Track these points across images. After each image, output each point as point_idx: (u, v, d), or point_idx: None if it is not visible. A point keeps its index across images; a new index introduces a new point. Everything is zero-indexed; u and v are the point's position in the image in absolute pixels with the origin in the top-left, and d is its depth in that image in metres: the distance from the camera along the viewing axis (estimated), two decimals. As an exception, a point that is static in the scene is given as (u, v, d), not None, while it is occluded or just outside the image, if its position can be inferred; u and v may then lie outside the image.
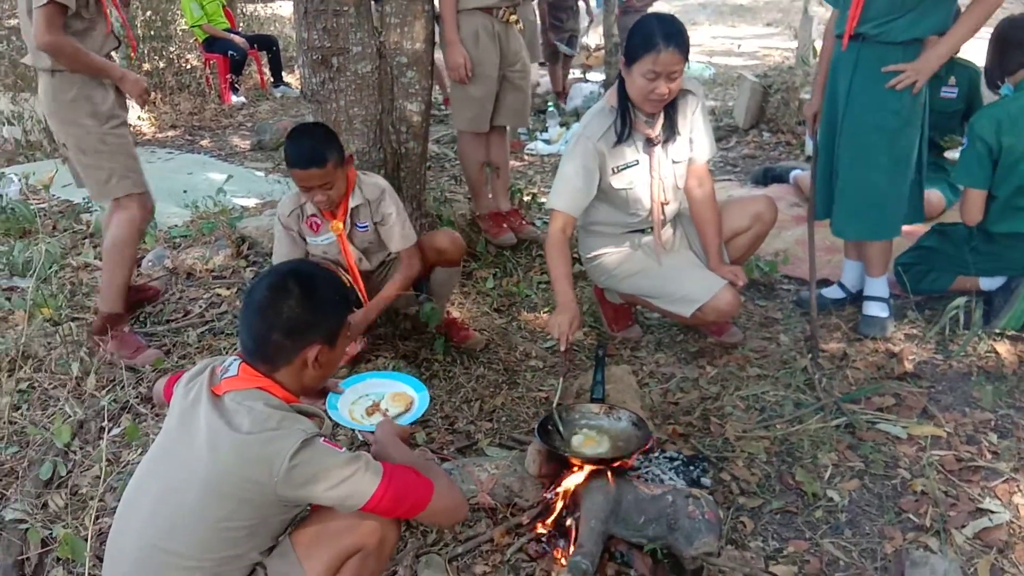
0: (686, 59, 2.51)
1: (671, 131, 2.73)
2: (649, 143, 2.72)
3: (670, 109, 2.70)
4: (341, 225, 2.75)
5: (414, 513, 1.62)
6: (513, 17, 3.53)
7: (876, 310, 3.03)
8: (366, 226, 2.81)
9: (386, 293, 2.80)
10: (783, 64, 7.33)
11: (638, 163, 2.74)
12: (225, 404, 1.53)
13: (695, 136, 2.79)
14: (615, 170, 2.73)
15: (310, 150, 2.55)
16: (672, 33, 2.46)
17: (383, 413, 2.22)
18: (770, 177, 4.63)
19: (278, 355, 1.58)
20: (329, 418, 2.18)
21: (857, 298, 3.17)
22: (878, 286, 3.05)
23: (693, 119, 2.77)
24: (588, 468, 2.15)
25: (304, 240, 2.84)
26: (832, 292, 3.26)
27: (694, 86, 2.77)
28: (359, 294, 2.84)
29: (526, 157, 5.89)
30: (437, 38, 3.39)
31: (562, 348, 2.45)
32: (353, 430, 2.49)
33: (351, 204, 2.75)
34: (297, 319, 1.57)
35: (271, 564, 1.58)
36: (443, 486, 1.66)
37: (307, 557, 1.57)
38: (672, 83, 2.53)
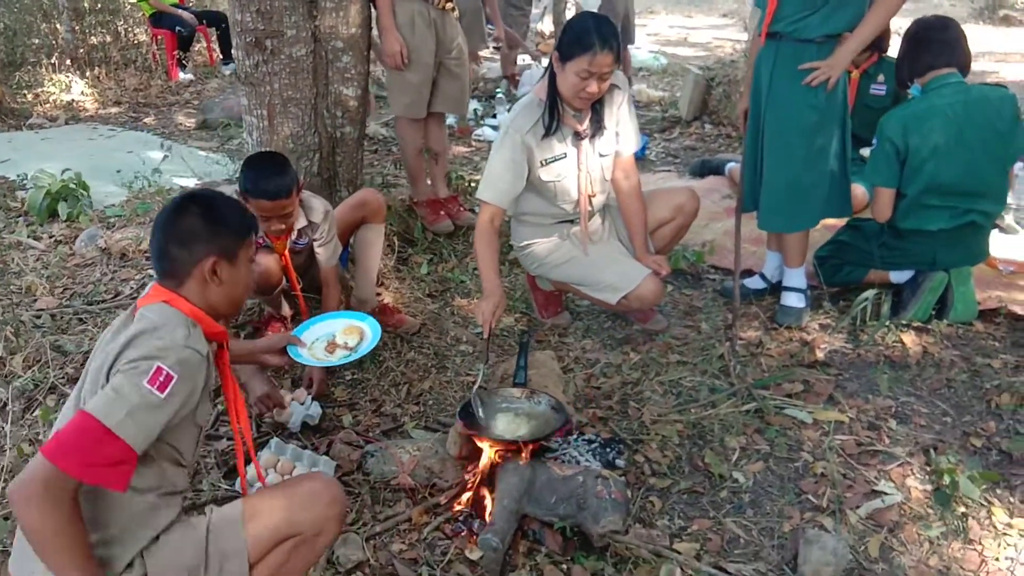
0: (618, 60, 2.58)
1: (598, 125, 2.80)
2: (577, 137, 2.78)
3: (597, 104, 2.76)
4: (284, 247, 2.77)
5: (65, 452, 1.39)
6: (449, 4, 3.56)
7: (793, 300, 3.14)
8: (304, 242, 2.85)
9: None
10: (728, 57, 7.45)
11: (566, 156, 2.80)
12: (135, 318, 1.60)
13: (621, 129, 2.86)
14: (543, 163, 2.78)
15: (278, 181, 2.53)
16: (608, 35, 2.52)
17: (344, 347, 2.37)
18: (707, 169, 4.74)
19: (178, 268, 1.64)
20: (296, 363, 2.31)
21: (777, 288, 3.28)
22: (795, 277, 3.15)
23: (619, 113, 2.84)
24: (494, 449, 2.23)
25: None
26: (754, 282, 3.38)
27: (620, 80, 2.84)
28: (300, 307, 2.93)
29: (474, 143, 5.92)
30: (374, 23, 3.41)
31: (485, 334, 2.51)
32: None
33: (296, 226, 2.75)
34: (191, 230, 1.65)
35: (216, 523, 1.63)
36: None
37: (251, 520, 1.63)
38: (604, 82, 2.60)
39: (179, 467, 1.65)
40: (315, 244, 2.84)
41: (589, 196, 2.87)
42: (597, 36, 2.50)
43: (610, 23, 2.58)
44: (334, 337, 2.40)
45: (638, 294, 2.79)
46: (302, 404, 2.59)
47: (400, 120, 3.78)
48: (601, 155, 2.85)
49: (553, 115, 2.71)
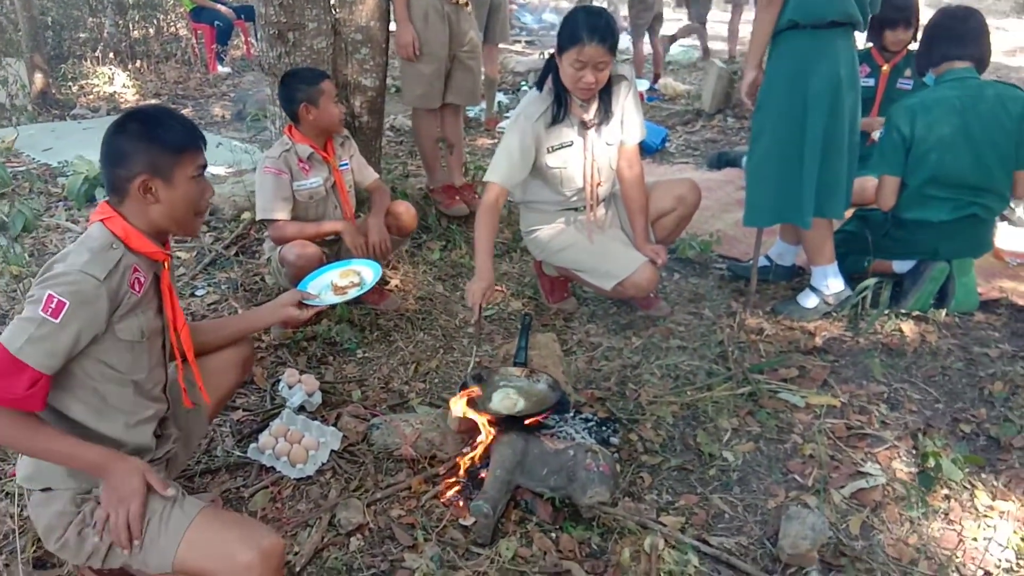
0: (612, 51, 2.67)
1: (605, 115, 2.88)
2: (583, 126, 2.88)
3: (604, 94, 2.85)
4: (336, 163, 3.04)
5: None
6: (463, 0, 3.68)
7: (806, 299, 3.17)
8: (347, 164, 3.11)
9: (381, 207, 3.10)
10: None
11: (573, 144, 2.90)
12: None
13: (626, 119, 2.95)
14: (550, 149, 2.88)
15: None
16: (597, 27, 2.61)
17: (350, 285, 2.55)
18: (724, 161, 4.79)
19: (116, 187, 1.69)
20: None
21: (780, 270, 3.39)
22: (816, 276, 3.15)
23: (625, 103, 2.92)
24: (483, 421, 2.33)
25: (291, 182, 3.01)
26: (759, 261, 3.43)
27: (627, 72, 2.92)
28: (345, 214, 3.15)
29: (498, 134, 6.03)
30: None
31: (474, 317, 2.63)
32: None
33: (336, 142, 3.09)
34: (121, 149, 1.66)
35: (168, 523, 1.64)
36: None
37: (189, 549, 1.62)
38: (600, 72, 2.68)
39: (125, 385, 1.71)
40: (352, 166, 3.19)
41: (595, 184, 2.96)
42: (585, 29, 2.60)
43: (603, 15, 2.67)
44: (335, 282, 2.56)
45: (632, 281, 2.87)
46: (310, 396, 2.70)
47: (416, 111, 3.91)
48: (608, 144, 2.93)
49: (559, 104, 2.81)
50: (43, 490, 1.68)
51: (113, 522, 1.59)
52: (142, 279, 1.70)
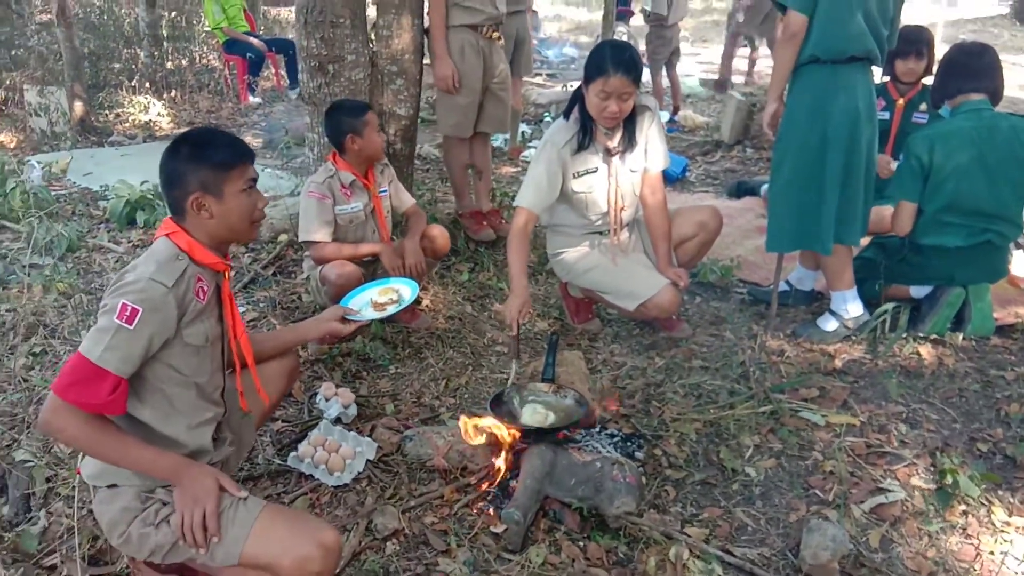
0: (636, 83, 2.80)
1: (630, 142, 3.01)
2: (608, 153, 3.01)
3: (629, 123, 2.98)
4: (375, 189, 3.20)
5: (65, 388, 1.62)
6: (496, 34, 3.85)
7: (825, 323, 3.26)
8: (386, 191, 3.26)
9: (417, 230, 3.23)
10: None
11: (598, 170, 3.02)
12: None
13: (650, 148, 3.07)
14: (576, 175, 3.01)
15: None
16: (622, 59, 2.75)
17: (389, 302, 2.67)
18: (743, 190, 4.91)
19: (175, 206, 1.81)
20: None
21: (799, 294, 3.47)
22: (836, 300, 3.24)
23: (648, 132, 3.05)
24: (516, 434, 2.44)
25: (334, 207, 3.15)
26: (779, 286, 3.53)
27: (651, 102, 3.05)
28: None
29: (521, 163, 6.19)
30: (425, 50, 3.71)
31: (512, 332, 2.73)
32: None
33: (376, 170, 3.23)
34: (174, 171, 1.78)
35: (234, 519, 1.72)
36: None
37: (256, 542, 1.70)
38: (624, 103, 2.82)
39: (189, 388, 1.81)
40: (390, 191, 3.32)
41: (619, 209, 3.08)
42: (611, 61, 2.74)
43: (627, 49, 2.80)
44: (375, 299, 2.68)
45: (655, 302, 2.98)
46: (346, 408, 2.81)
47: (447, 139, 4.07)
48: (632, 171, 3.06)
49: (585, 132, 2.94)
50: (109, 487, 1.79)
51: (188, 522, 1.68)
52: (206, 288, 1.82)
